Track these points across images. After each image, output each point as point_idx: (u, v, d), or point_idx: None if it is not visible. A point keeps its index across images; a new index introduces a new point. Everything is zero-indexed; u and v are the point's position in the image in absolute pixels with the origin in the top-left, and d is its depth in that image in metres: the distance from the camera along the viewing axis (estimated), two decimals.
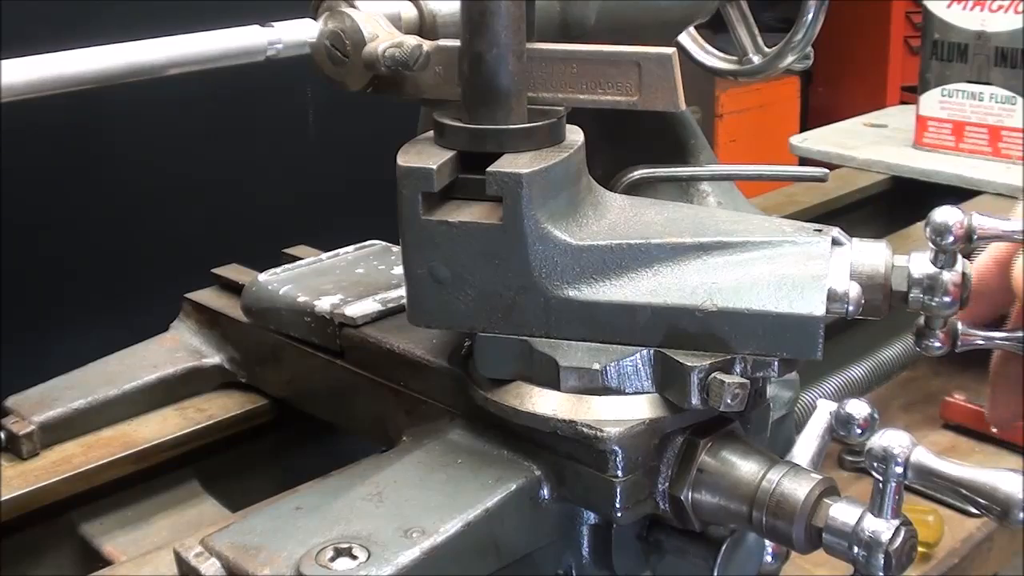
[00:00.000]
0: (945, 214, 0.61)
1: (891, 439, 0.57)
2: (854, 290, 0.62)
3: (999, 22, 1.58)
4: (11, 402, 0.95)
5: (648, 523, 0.67)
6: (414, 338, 0.79)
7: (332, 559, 0.57)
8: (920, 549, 0.74)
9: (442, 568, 0.59)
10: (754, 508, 0.61)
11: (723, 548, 0.65)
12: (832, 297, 0.61)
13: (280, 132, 1.68)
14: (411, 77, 0.70)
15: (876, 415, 0.59)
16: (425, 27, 0.75)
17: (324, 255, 1.00)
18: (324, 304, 0.87)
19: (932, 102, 1.67)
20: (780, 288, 0.61)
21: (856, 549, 0.57)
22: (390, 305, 0.85)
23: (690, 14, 1.01)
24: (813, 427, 0.66)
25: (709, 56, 1.14)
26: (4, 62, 0.60)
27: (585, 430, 0.62)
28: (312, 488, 0.69)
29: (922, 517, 0.97)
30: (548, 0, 0.83)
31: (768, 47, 1.07)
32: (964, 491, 0.57)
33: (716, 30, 1.12)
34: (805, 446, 0.65)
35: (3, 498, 0.85)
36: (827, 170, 1.03)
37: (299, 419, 0.97)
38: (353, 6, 0.71)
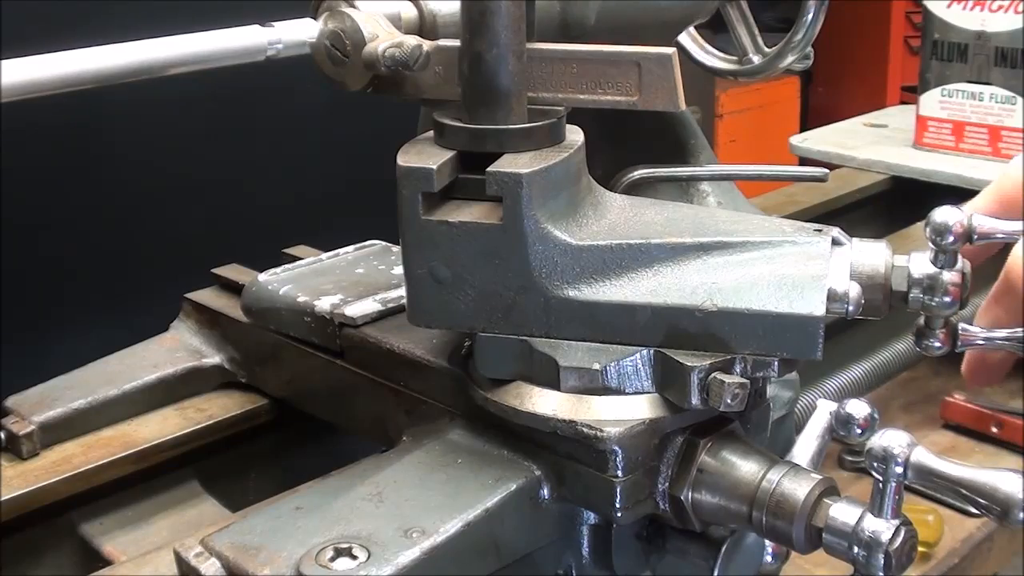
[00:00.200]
0: (945, 214, 0.61)
1: (891, 439, 0.57)
2: (854, 290, 0.62)
3: (999, 22, 1.58)
4: (11, 402, 0.95)
5: (648, 523, 0.67)
6: (414, 338, 0.79)
7: (332, 559, 0.57)
8: (920, 549, 0.74)
9: (442, 568, 0.59)
10: (754, 508, 0.61)
11: (723, 548, 0.65)
12: (832, 297, 0.61)
13: (280, 132, 1.68)
14: (411, 77, 0.70)
15: (876, 415, 0.59)
16: (425, 27, 0.75)
17: (324, 255, 1.00)
18: (324, 304, 0.87)
19: (932, 102, 1.67)
20: (780, 288, 0.61)
21: (856, 549, 0.57)
22: (390, 305, 0.85)
23: (690, 14, 1.01)
24: (813, 427, 0.66)
25: (709, 56, 1.14)
26: (4, 62, 0.60)
27: (585, 430, 0.62)
28: (312, 488, 0.69)
29: (922, 517, 0.97)
30: (548, 0, 0.83)
31: (768, 47, 1.07)
32: (964, 491, 0.57)
33: (716, 30, 1.12)
34: (805, 446, 0.65)
35: (3, 498, 0.85)
36: (827, 170, 1.03)
37: (299, 419, 0.97)
38: (353, 6, 0.71)
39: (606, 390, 0.63)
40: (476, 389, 0.68)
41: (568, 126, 0.67)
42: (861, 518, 0.58)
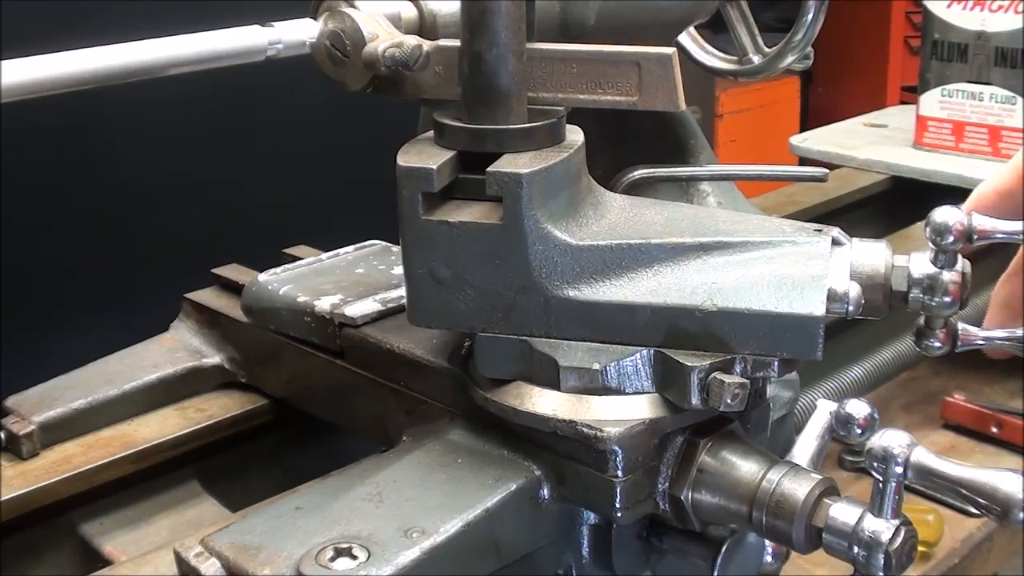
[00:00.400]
0: (945, 214, 0.61)
1: (891, 439, 0.57)
2: (854, 290, 0.62)
3: (999, 22, 1.58)
4: (11, 402, 0.95)
5: (648, 523, 0.67)
6: (414, 338, 0.79)
7: (332, 559, 0.57)
8: (920, 549, 0.74)
9: (442, 568, 0.59)
10: (754, 508, 0.61)
11: (723, 548, 0.65)
12: (832, 297, 0.61)
13: (280, 132, 1.68)
14: (411, 77, 0.70)
15: (876, 415, 0.59)
16: (425, 27, 0.75)
17: (324, 255, 1.00)
18: (324, 304, 0.87)
19: (932, 102, 1.67)
20: (780, 288, 0.61)
21: (856, 549, 0.57)
22: (390, 305, 0.85)
23: (690, 14, 1.01)
24: (813, 427, 0.66)
25: (709, 56, 1.14)
26: (4, 62, 0.60)
27: (585, 430, 0.62)
28: (312, 488, 0.69)
29: (922, 517, 0.97)
30: (548, 0, 0.83)
31: (768, 47, 1.07)
32: (964, 491, 0.57)
33: (716, 30, 1.12)
34: (805, 446, 0.65)
35: (3, 498, 0.85)
36: (827, 170, 1.03)
37: (299, 419, 0.97)
38: (353, 6, 0.71)
39: (606, 390, 0.63)
40: (476, 389, 0.68)
41: (568, 126, 0.67)
42: (861, 518, 0.58)
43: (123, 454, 0.92)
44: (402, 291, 0.70)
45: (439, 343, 0.78)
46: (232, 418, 0.98)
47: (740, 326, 0.61)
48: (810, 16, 1.00)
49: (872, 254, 0.64)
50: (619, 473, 0.62)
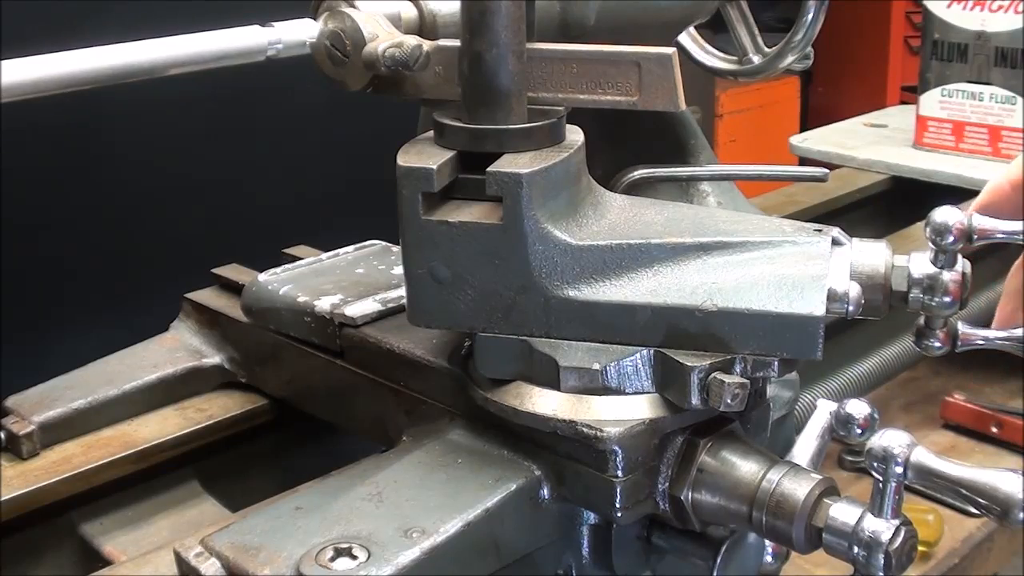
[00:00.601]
0: (945, 214, 0.61)
1: (891, 439, 0.57)
2: (854, 290, 0.62)
3: (999, 22, 1.58)
4: (11, 402, 0.95)
5: (648, 523, 0.67)
6: (414, 338, 0.79)
7: (332, 559, 0.57)
8: (920, 549, 0.74)
9: (442, 568, 0.59)
10: (754, 508, 0.61)
11: (723, 548, 0.65)
12: (832, 297, 0.61)
13: (280, 132, 1.68)
14: (411, 77, 0.70)
15: (876, 415, 0.59)
16: (425, 27, 0.75)
17: (324, 255, 1.00)
18: (324, 304, 0.87)
19: (932, 102, 1.67)
20: (780, 288, 0.61)
21: (856, 549, 0.57)
22: (390, 305, 0.85)
23: (690, 14, 1.01)
24: (813, 427, 0.66)
25: (709, 56, 1.14)
26: (4, 62, 0.60)
27: (585, 430, 0.62)
28: (312, 488, 0.69)
29: (922, 517, 0.97)
30: (548, 0, 0.83)
31: (768, 47, 1.07)
32: (964, 491, 0.57)
33: (716, 30, 1.12)
34: (805, 446, 0.65)
35: (3, 498, 0.85)
36: (827, 170, 1.03)
37: (299, 419, 0.97)
38: (353, 6, 0.71)
39: (606, 390, 0.63)
40: (476, 389, 0.68)
41: (568, 126, 0.67)
42: (861, 518, 0.58)
43: (123, 454, 0.92)
44: (402, 291, 0.70)
45: (439, 343, 0.78)
46: (232, 418, 0.98)
47: (740, 326, 0.61)
48: (810, 16, 1.00)
49: (872, 254, 0.64)
50: (619, 473, 0.62)
